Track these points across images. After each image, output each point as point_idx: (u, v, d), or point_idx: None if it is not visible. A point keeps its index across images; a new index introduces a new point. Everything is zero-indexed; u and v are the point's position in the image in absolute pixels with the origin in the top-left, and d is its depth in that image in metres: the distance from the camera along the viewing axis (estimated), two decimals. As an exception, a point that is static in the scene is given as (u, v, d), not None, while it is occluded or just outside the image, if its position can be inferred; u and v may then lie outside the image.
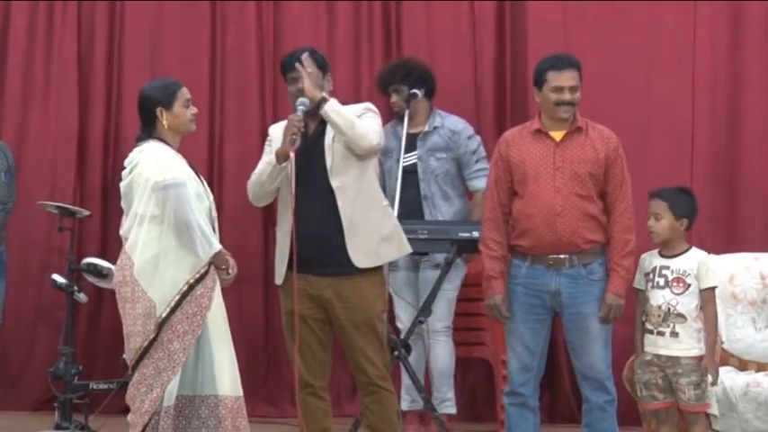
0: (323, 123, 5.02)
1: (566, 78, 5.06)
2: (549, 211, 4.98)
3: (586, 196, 5.01)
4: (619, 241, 5.00)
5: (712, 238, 6.41)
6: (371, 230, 5.00)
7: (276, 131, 5.10)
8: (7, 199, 6.59)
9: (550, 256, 5.02)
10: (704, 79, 6.87)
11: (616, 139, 5.11)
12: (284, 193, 5.02)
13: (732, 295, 5.98)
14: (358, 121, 4.96)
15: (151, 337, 4.62)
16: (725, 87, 6.87)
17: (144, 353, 4.64)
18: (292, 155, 4.86)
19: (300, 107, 4.92)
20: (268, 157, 5.04)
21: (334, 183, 4.95)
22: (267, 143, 5.15)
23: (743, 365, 5.87)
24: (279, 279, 5.06)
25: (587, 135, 5.07)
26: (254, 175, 5.07)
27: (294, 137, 4.83)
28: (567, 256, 5.01)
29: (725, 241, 6.53)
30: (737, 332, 5.94)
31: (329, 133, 5.01)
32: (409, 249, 5.20)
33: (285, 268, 5.01)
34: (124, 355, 4.78)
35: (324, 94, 4.96)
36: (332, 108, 4.92)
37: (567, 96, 5.05)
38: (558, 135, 5.07)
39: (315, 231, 4.92)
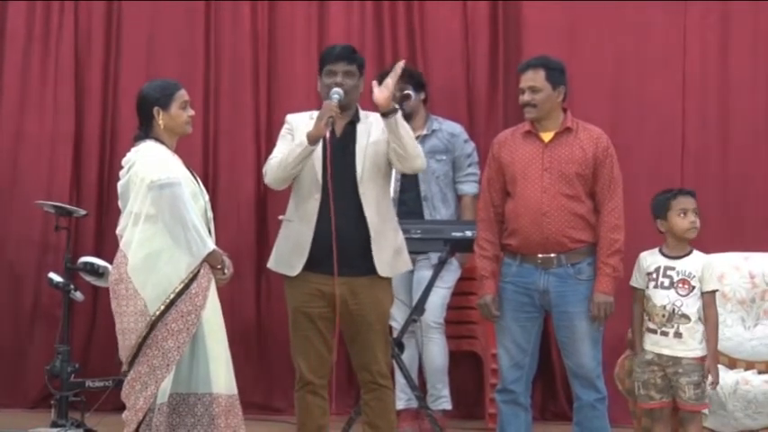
0: (352, 123, 5.06)
1: (524, 80, 5.12)
2: (537, 211, 5.01)
3: (574, 196, 5.03)
4: (606, 240, 5.02)
5: (702, 238, 6.40)
6: (390, 241, 5.05)
7: (297, 119, 5.12)
8: None
9: (539, 255, 5.05)
10: (694, 79, 6.90)
11: (606, 138, 5.13)
12: (303, 185, 5.02)
13: (722, 294, 5.96)
14: (414, 140, 5.04)
15: (143, 334, 4.66)
16: (715, 87, 6.90)
17: (137, 350, 4.68)
18: (327, 134, 4.89)
19: (335, 96, 4.94)
20: (288, 144, 5.03)
21: (362, 189, 4.98)
22: (287, 131, 5.13)
23: (732, 363, 5.89)
24: (293, 271, 5.02)
25: (576, 135, 5.10)
26: (276, 159, 5.01)
27: (331, 119, 4.87)
28: (556, 255, 5.03)
29: (715, 240, 6.53)
30: (727, 331, 5.96)
31: (361, 138, 5.03)
32: (411, 266, 5.27)
33: (303, 262, 5.00)
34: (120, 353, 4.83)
35: (395, 105, 4.95)
36: (401, 123, 4.94)
37: (525, 97, 5.10)
38: (547, 136, 5.10)
39: (339, 232, 4.92)
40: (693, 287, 5.11)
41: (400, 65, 4.96)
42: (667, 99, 6.91)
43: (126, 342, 4.72)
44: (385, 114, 4.92)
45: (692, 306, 5.09)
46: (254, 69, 7.32)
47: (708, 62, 6.91)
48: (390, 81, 4.90)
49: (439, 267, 6.09)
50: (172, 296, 4.65)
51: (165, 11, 7.36)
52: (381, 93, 4.90)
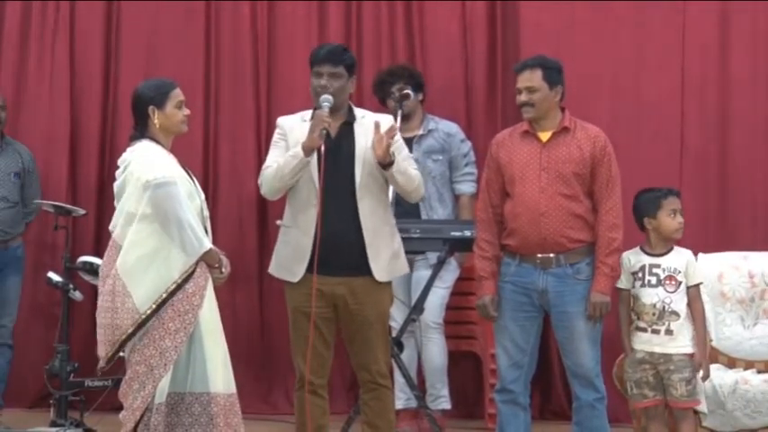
0: (347, 125, 5.06)
1: (520, 80, 5.12)
2: (534, 211, 5.01)
3: (572, 196, 5.03)
4: (604, 239, 5.01)
5: (701, 237, 6.44)
6: (386, 246, 5.05)
7: (289, 123, 5.12)
8: (16, 198, 6.67)
9: (538, 255, 5.05)
10: (693, 79, 6.89)
11: (604, 137, 5.12)
12: (300, 191, 5.02)
13: (721, 294, 6.02)
14: (413, 172, 5.06)
15: (128, 332, 4.65)
16: (714, 87, 6.88)
17: (118, 348, 4.68)
18: (322, 148, 4.89)
19: (325, 104, 4.93)
20: (282, 151, 5.03)
21: (359, 194, 4.98)
22: (279, 137, 5.13)
23: (731, 363, 5.91)
24: (295, 277, 5.03)
25: (574, 135, 5.09)
26: (272, 169, 5.02)
27: (324, 131, 4.87)
28: (554, 255, 5.03)
29: (714, 240, 6.56)
30: (726, 330, 5.98)
31: (359, 142, 5.02)
32: (408, 270, 5.28)
33: (304, 268, 4.99)
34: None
35: (392, 153, 4.95)
36: (398, 170, 4.97)
37: (522, 98, 5.10)
38: (544, 136, 5.10)
39: (336, 235, 4.93)
40: (680, 282, 5.12)
41: (395, 127, 5.02)
42: (666, 99, 6.90)
43: (107, 337, 4.71)
44: (383, 166, 4.94)
45: (680, 302, 5.11)
46: (254, 69, 7.32)
47: (707, 62, 6.90)
48: (385, 136, 4.90)
49: (438, 267, 6.08)
50: (164, 296, 4.63)
51: (165, 11, 7.37)
52: (379, 146, 4.91)
